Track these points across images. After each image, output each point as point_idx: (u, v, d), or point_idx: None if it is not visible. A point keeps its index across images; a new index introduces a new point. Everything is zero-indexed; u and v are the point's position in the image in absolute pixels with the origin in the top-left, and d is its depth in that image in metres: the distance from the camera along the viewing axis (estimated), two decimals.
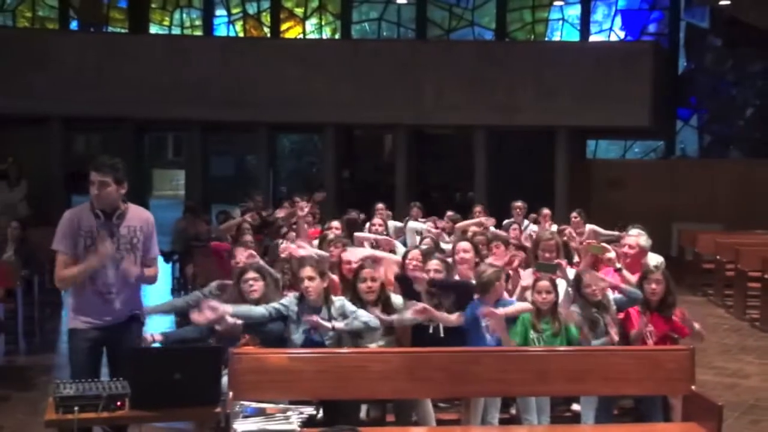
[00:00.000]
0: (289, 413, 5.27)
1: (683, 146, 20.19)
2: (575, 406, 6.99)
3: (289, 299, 6.16)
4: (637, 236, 7.69)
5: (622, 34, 20.02)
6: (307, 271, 6.13)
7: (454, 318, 6.30)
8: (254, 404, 5.29)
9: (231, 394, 5.20)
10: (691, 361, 5.97)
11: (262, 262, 7.08)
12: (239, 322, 6.00)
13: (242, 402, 5.24)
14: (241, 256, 7.25)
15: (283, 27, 21.29)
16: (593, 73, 17.82)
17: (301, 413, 5.31)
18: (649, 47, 18.65)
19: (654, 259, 7.49)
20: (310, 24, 21.40)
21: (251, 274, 6.43)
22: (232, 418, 5.01)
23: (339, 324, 6.05)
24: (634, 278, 7.03)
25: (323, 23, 21.39)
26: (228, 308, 5.93)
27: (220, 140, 21.64)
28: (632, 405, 7.07)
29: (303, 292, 6.14)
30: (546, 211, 12.16)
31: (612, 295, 6.76)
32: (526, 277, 7.22)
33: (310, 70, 18.35)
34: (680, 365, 5.91)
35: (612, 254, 7.18)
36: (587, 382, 5.82)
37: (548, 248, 7.26)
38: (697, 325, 6.67)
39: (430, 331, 6.35)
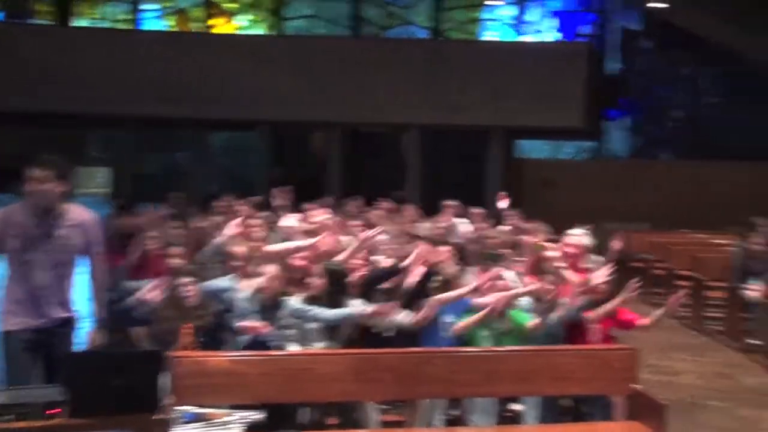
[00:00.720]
0: (231, 418, 5.13)
1: (614, 147, 20.47)
2: (514, 406, 6.96)
3: (237, 294, 6.00)
4: (579, 236, 7.69)
5: (556, 36, 20.18)
6: (272, 269, 5.99)
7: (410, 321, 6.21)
8: (195, 409, 5.13)
9: (170, 399, 5.02)
10: (635, 360, 5.99)
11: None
12: None
13: (182, 407, 5.07)
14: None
15: (215, 22, 20.97)
16: (528, 73, 17.95)
17: (245, 418, 5.17)
18: (584, 48, 18.87)
19: (595, 262, 7.50)
20: (243, 20, 21.10)
21: (183, 279, 6.27)
22: (172, 425, 4.84)
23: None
24: (576, 278, 7.03)
25: (255, 19, 21.12)
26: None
27: (150, 137, 21.13)
28: (571, 404, 7.06)
29: (260, 289, 5.98)
30: (478, 210, 12.16)
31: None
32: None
33: (245, 66, 18.09)
34: (624, 364, 5.93)
35: (554, 253, 7.17)
36: (534, 382, 5.79)
37: (496, 246, 7.21)
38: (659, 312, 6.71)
39: (383, 334, 6.26)
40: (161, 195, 12.33)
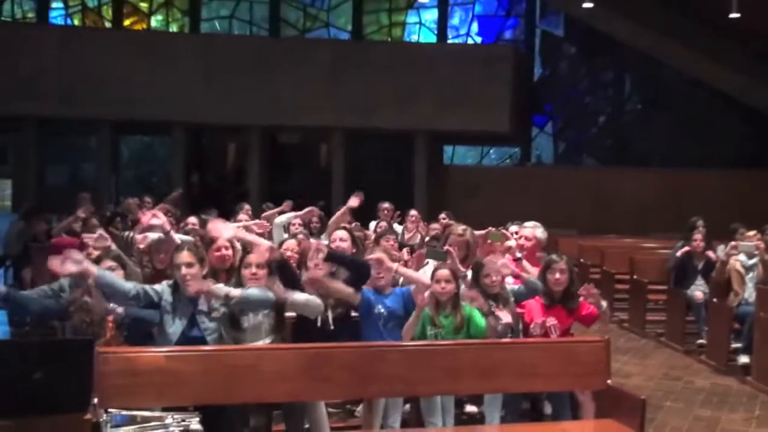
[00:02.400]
0: (165, 422, 4.48)
1: (539, 153, 20.34)
2: (469, 408, 6.45)
3: (162, 286, 5.31)
4: (533, 228, 7.26)
5: (478, 40, 19.96)
6: (185, 256, 5.31)
7: (350, 291, 5.64)
8: (124, 412, 4.47)
9: (96, 400, 4.34)
10: (607, 353, 5.54)
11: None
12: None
13: (110, 410, 4.40)
14: (91, 240, 6.33)
15: (127, 22, 20.11)
16: (453, 76, 17.66)
17: (182, 421, 4.52)
18: (509, 51, 18.69)
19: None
20: (156, 20, 20.30)
21: (108, 263, 5.55)
22: (103, 428, 4.17)
23: (235, 291, 5.27)
24: (534, 270, 6.60)
25: (170, 19, 20.34)
26: (93, 268, 5.03)
27: (56, 143, 20.00)
28: (528, 406, 6.59)
29: (179, 281, 5.30)
30: (413, 212, 11.75)
31: (511, 287, 6.30)
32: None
33: (159, 66, 17.34)
34: (596, 358, 5.47)
35: (512, 242, 6.73)
36: (498, 378, 5.28)
37: (456, 243, 6.67)
38: (604, 303, 6.29)
39: (318, 324, 5.66)
40: (66, 207, 11.35)
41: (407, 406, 5.87)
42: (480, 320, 5.85)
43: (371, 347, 5.15)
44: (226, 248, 6.06)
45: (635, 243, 14.15)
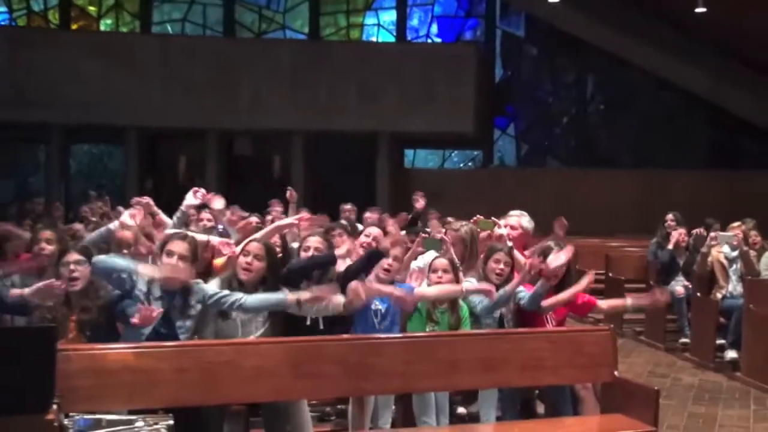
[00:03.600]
0: (134, 426, 4.00)
1: (501, 155, 20.04)
2: (460, 410, 6.03)
3: (144, 277, 4.78)
4: (519, 216, 6.85)
5: (438, 41, 19.62)
6: (181, 247, 4.82)
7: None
8: (88, 416, 3.99)
9: (57, 404, 3.83)
10: (614, 343, 5.21)
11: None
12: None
13: (71, 414, 3.92)
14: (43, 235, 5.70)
15: (74, 27, 19.43)
16: (416, 76, 17.29)
17: (153, 425, 4.04)
18: (472, 51, 18.33)
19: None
20: (105, 24, 19.65)
21: (73, 256, 4.99)
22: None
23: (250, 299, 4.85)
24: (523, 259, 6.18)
25: (120, 23, 19.69)
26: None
27: (2, 150, 19.17)
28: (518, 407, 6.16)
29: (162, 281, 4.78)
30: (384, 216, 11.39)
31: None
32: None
33: (112, 67, 16.70)
34: (602, 348, 5.13)
35: (504, 230, 6.33)
36: (501, 371, 4.90)
37: (451, 240, 6.23)
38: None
39: (308, 322, 5.16)
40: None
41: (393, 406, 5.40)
42: (467, 315, 5.44)
43: (364, 340, 4.72)
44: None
45: (606, 242, 13.89)
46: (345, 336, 4.81)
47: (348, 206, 11.24)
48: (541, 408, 6.10)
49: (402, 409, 5.30)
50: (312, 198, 16.16)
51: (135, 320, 4.55)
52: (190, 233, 5.35)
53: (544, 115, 19.70)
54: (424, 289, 5.48)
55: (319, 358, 4.52)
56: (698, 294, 9.27)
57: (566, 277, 5.83)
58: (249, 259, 5.00)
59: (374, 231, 6.20)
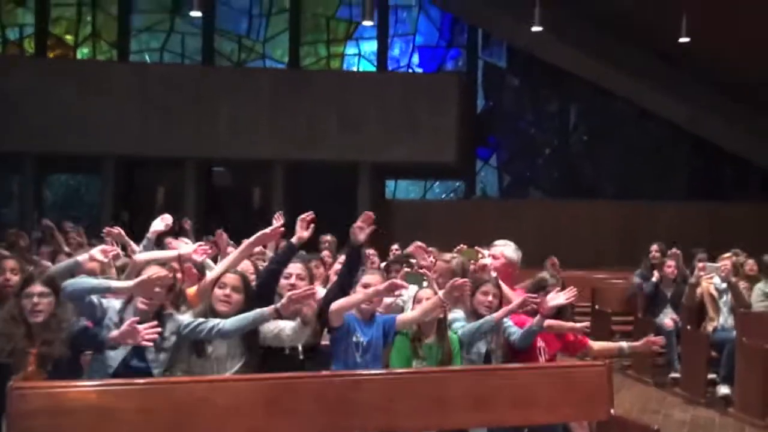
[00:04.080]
0: None
1: (483, 186, 19.81)
2: None
3: (109, 302, 4.47)
4: (503, 246, 6.57)
5: (419, 71, 19.45)
6: (155, 270, 4.53)
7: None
8: None
9: None
10: (610, 378, 4.91)
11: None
12: None
13: None
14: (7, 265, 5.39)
15: (51, 56, 19.12)
16: (398, 106, 17.12)
17: None
18: (455, 81, 18.15)
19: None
20: (82, 53, 19.36)
21: (37, 288, 4.66)
22: None
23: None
24: (511, 293, 5.90)
25: (97, 52, 19.39)
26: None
27: None
28: None
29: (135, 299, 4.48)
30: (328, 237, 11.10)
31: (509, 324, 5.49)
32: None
33: (88, 95, 16.40)
34: (597, 384, 4.84)
35: (488, 260, 6.05)
36: (492, 409, 4.59)
37: (440, 271, 5.96)
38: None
39: (286, 352, 4.85)
40: None
41: None
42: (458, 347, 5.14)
43: (344, 376, 4.40)
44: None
45: (590, 274, 13.64)
46: (322, 372, 4.50)
47: (328, 237, 10.94)
48: None
49: None
50: (292, 228, 15.78)
51: (114, 334, 4.24)
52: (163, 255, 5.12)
53: (527, 145, 19.52)
54: (406, 314, 5.24)
55: (296, 395, 4.21)
56: (688, 327, 9.03)
57: (561, 311, 5.58)
58: (227, 291, 4.72)
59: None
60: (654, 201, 18.31)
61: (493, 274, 5.96)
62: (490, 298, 5.35)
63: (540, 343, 5.41)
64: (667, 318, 9.45)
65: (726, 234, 15.40)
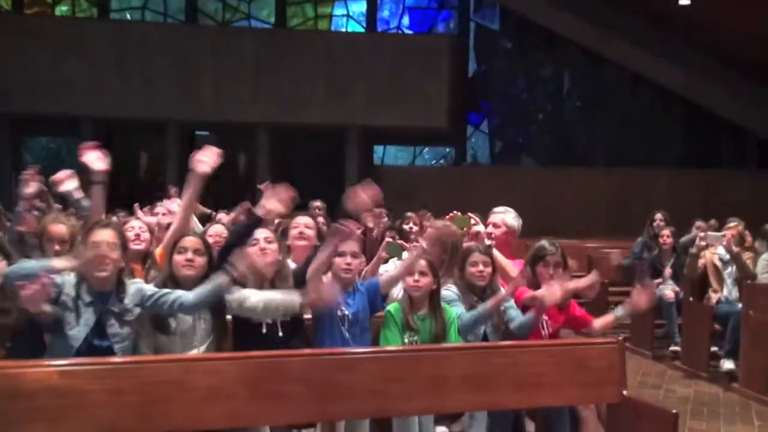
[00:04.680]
0: None
1: (474, 152, 19.38)
2: (440, 429, 5.30)
3: (63, 278, 4.04)
4: (503, 213, 6.18)
5: (409, 33, 18.92)
6: (108, 235, 4.07)
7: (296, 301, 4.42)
8: None
9: None
10: (622, 357, 4.54)
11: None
12: None
13: None
14: None
15: (28, 13, 18.51)
16: (387, 68, 16.62)
17: None
18: (446, 43, 17.65)
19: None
20: (60, 11, 18.79)
21: None
22: None
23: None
24: (508, 262, 5.52)
25: (76, 11, 18.80)
26: None
27: None
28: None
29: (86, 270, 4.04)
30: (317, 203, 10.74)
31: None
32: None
33: (65, 55, 15.82)
34: (608, 363, 4.46)
35: (480, 227, 5.67)
36: (493, 390, 4.20)
37: (430, 239, 5.55)
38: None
39: (264, 330, 4.45)
40: None
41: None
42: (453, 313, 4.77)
43: (336, 355, 3.99)
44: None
45: (584, 243, 13.29)
46: (313, 351, 4.09)
47: (317, 203, 10.58)
48: (531, 426, 5.46)
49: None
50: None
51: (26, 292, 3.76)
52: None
53: (519, 111, 19.06)
54: (389, 272, 5.00)
55: (281, 376, 3.81)
56: (690, 299, 8.67)
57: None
58: (189, 255, 4.32)
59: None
60: (649, 169, 17.95)
61: (488, 241, 5.61)
62: (480, 267, 4.97)
63: (542, 316, 5.03)
64: (668, 289, 9.09)
65: (722, 204, 15.09)
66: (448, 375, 4.10)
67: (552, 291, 4.70)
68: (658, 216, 10.11)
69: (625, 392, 4.43)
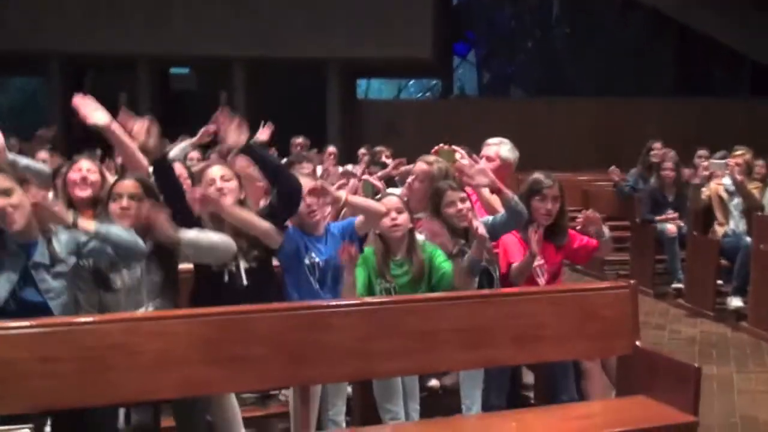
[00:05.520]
0: None
1: (461, 84, 18.76)
2: (433, 382, 4.76)
3: None
4: (497, 144, 5.61)
5: None
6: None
7: (267, 227, 3.92)
8: None
9: None
10: (635, 303, 4.02)
11: None
12: None
13: None
14: None
15: None
16: None
17: None
18: None
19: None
20: None
21: None
22: None
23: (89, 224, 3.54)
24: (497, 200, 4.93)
25: None
26: None
27: None
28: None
29: None
30: (331, 149, 10.29)
31: (485, 218, 4.62)
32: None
33: None
34: (620, 312, 3.97)
35: (465, 161, 5.11)
36: (488, 345, 3.71)
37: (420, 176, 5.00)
38: (607, 230, 4.74)
39: (225, 279, 3.90)
40: None
41: (349, 388, 4.16)
42: (445, 264, 4.20)
43: (308, 309, 3.44)
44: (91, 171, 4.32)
45: (577, 176, 12.76)
46: (279, 305, 3.53)
47: (299, 140, 10.17)
48: (529, 377, 4.97)
49: (360, 397, 4.08)
50: (255, 132, 14.72)
51: None
52: None
53: (507, 41, 18.41)
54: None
55: (244, 336, 3.28)
56: (694, 233, 8.15)
57: (559, 218, 4.69)
58: (124, 202, 3.77)
59: None
60: (640, 98, 17.36)
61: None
62: (458, 206, 4.41)
63: (538, 261, 4.50)
64: (669, 223, 8.56)
65: (716, 133, 14.55)
66: (438, 329, 3.58)
67: (534, 238, 4.23)
68: (657, 145, 9.54)
69: (638, 343, 3.92)
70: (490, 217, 4.66)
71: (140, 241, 3.59)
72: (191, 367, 3.19)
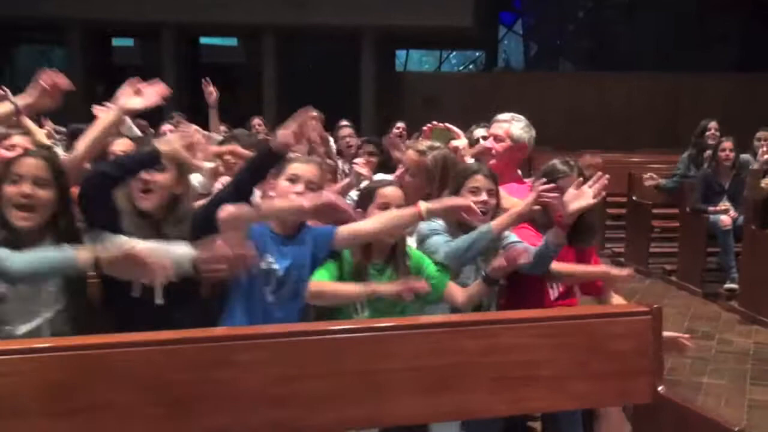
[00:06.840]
0: None
1: (506, 57, 17.86)
2: None
3: None
4: (509, 121, 4.58)
5: None
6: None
7: None
8: None
9: None
10: (658, 333, 3.03)
11: None
12: None
13: None
14: None
15: None
16: None
17: None
18: None
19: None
20: None
21: None
22: None
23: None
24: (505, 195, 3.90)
25: None
26: None
27: None
28: None
29: None
30: (347, 129, 9.45)
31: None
32: None
33: None
34: (639, 344, 2.98)
35: (462, 142, 4.35)
36: (461, 390, 2.79)
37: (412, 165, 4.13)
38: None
39: (138, 294, 3.00)
40: None
41: None
42: (437, 274, 3.29)
43: (204, 341, 2.53)
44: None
45: (626, 157, 11.75)
46: (155, 335, 2.58)
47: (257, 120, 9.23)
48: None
49: None
50: (286, 105, 13.94)
51: None
52: None
53: (556, 10, 17.40)
54: (357, 225, 3.30)
55: (109, 376, 2.40)
56: (752, 226, 7.11)
57: (586, 215, 3.62)
58: (24, 188, 2.88)
59: None
60: (701, 74, 16.25)
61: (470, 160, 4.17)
62: (483, 197, 3.45)
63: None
64: (723, 214, 7.55)
65: None
66: (388, 368, 2.67)
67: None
68: (712, 125, 8.55)
69: (660, 389, 2.95)
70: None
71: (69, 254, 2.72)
72: (27, 422, 2.34)
